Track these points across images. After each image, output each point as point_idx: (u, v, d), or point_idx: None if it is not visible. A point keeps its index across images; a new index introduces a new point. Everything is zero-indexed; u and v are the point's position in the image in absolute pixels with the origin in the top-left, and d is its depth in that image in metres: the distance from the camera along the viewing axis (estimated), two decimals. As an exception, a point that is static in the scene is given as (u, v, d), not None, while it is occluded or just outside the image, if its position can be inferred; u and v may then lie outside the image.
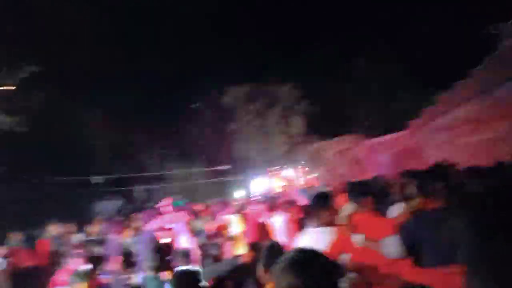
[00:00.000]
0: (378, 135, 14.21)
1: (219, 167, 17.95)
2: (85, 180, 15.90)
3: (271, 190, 15.40)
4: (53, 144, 15.51)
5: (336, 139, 14.68)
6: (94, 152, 18.70)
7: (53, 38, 16.31)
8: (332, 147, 14.27)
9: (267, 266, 2.53)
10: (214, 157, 19.47)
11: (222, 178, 18.65)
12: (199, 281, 2.84)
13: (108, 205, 19.97)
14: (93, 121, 18.66)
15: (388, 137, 13.94)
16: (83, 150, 17.90)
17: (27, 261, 7.63)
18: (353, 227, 2.94)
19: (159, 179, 19.78)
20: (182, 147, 20.29)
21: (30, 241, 8.43)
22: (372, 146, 14.17)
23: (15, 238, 7.90)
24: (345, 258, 2.88)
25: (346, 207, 3.73)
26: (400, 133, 13.61)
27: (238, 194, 16.99)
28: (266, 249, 4.54)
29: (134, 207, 18.85)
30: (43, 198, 14.25)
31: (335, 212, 3.40)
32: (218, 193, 18.69)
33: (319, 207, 3.35)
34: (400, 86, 17.03)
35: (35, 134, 11.57)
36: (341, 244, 2.95)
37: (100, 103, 18.37)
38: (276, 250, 3.50)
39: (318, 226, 3.27)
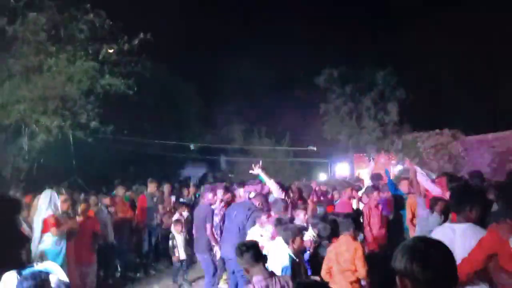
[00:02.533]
0: (479, 132, 13.27)
1: (305, 148, 17.97)
2: (179, 145, 16.88)
3: (355, 176, 15.15)
4: (154, 109, 16.71)
5: (432, 131, 13.88)
6: (189, 120, 19.71)
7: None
8: (427, 139, 13.52)
9: None
10: (300, 137, 19.51)
11: (306, 159, 18.69)
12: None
13: (196, 171, 21.17)
14: (189, 91, 19.65)
15: (490, 135, 12.98)
16: (179, 117, 18.96)
17: (126, 213, 8.44)
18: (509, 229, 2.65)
19: (244, 152, 20.34)
20: (269, 124, 20.62)
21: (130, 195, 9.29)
22: (472, 143, 13.31)
23: (119, 191, 8.75)
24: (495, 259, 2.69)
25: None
26: (506, 133, 12.61)
27: (322, 176, 16.97)
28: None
29: (218, 176, 19.74)
30: (143, 158, 15.51)
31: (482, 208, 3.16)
32: (301, 173, 18.85)
33: (470, 201, 3.13)
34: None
35: (141, 98, 12.53)
36: (492, 244, 2.73)
37: (196, 75, 19.29)
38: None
39: (464, 222, 3.08)
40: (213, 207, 6.60)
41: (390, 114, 15.64)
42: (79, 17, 10.06)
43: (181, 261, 7.57)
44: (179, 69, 19.10)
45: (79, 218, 6.49)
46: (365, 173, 13.75)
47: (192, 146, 16.36)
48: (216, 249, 6.36)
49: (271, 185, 6.14)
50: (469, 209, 3.06)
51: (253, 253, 3.24)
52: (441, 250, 1.62)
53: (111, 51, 10.86)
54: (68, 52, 10.18)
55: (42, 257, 5.55)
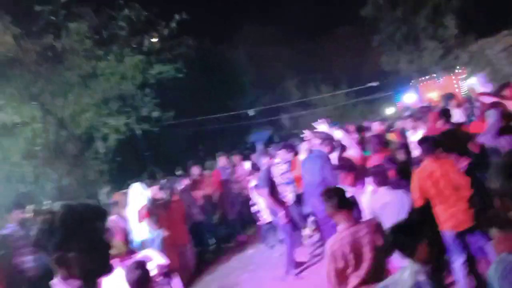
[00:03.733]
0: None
1: (365, 85, 17.33)
2: (239, 114, 17.09)
3: (425, 102, 14.42)
4: (208, 85, 16.94)
5: (500, 34, 12.67)
6: (244, 87, 19.78)
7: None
8: (495, 44, 12.38)
9: None
10: (359, 75, 18.79)
11: (369, 97, 18.05)
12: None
13: (261, 135, 21.42)
14: (239, 58, 19.56)
15: None
16: (235, 87, 19.09)
17: (205, 189, 8.82)
18: None
19: (305, 105, 20.11)
20: (324, 70, 20.07)
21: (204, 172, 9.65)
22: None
23: (195, 170, 9.11)
24: None
25: None
26: None
27: (389, 111, 16.35)
28: None
29: (283, 135, 19.81)
30: (209, 134, 15.97)
31: None
32: (367, 112, 18.29)
33: None
34: None
35: (193, 78, 12.72)
36: None
37: (244, 40, 19.06)
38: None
39: None
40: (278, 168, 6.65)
41: (449, 28, 14.45)
42: (116, 15, 10.28)
43: (268, 223, 7.78)
44: (222, 38, 19.04)
45: (168, 204, 6.90)
46: (435, 96, 13.04)
47: (250, 112, 16.46)
48: (281, 213, 6.31)
49: (339, 135, 5.99)
50: None
51: (338, 199, 3.23)
52: None
53: (155, 40, 11.08)
54: (115, 52, 10.53)
55: (143, 245, 6.01)
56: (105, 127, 10.81)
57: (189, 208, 8.05)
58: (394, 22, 15.70)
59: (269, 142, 17.49)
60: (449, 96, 7.80)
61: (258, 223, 7.95)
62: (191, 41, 11.86)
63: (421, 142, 4.55)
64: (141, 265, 3.44)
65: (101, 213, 1.64)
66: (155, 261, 3.85)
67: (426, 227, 2.59)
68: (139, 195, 5.85)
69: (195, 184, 8.69)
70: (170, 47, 11.06)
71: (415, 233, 2.51)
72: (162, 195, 6.33)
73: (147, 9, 10.58)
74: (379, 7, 15.82)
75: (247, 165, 9.29)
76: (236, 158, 9.80)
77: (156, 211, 6.00)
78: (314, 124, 6.26)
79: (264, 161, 6.86)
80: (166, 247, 6.13)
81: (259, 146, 11.80)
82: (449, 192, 4.17)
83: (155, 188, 6.15)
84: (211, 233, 8.61)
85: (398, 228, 2.65)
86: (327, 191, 3.35)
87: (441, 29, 14.78)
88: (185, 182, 8.32)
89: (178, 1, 11.85)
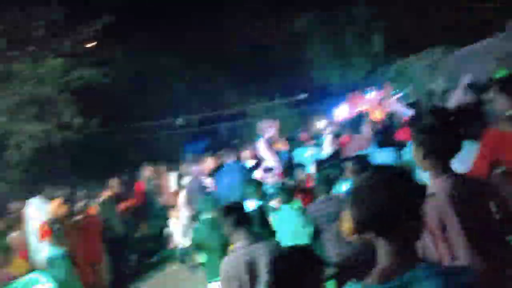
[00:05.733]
0: (471, 42, 12.72)
1: (298, 97, 17.66)
2: (170, 123, 16.66)
3: (354, 115, 14.87)
4: (139, 92, 16.25)
5: (422, 52, 13.40)
6: (178, 95, 19.29)
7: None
8: (418, 61, 13.06)
9: None
10: (293, 87, 19.08)
11: (302, 108, 18.39)
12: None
13: (197, 146, 20.97)
14: (172, 65, 19.01)
15: (485, 42, 12.46)
16: (167, 95, 18.54)
17: (127, 202, 8.35)
18: None
19: (241, 115, 20.08)
20: (260, 82, 20.14)
21: (129, 184, 9.16)
22: (469, 54, 12.80)
23: (115, 182, 8.58)
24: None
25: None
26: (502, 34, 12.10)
27: (321, 123, 16.68)
28: None
29: (219, 145, 19.54)
30: (135, 144, 15.28)
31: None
32: (300, 123, 18.57)
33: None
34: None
35: (121, 84, 12.14)
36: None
37: (176, 46, 18.56)
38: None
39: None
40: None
41: (375, 46, 15.22)
42: (33, 15, 9.57)
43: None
44: (158, 44, 18.37)
45: (79, 218, 6.37)
46: (365, 109, 13.49)
47: (178, 121, 16.11)
48: None
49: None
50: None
51: (236, 216, 2.97)
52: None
53: (79, 42, 10.47)
54: (33, 54, 9.80)
55: (47, 263, 5.47)
56: (19, 134, 9.96)
57: (109, 221, 7.56)
58: (325, 39, 16.29)
59: (205, 152, 17.11)
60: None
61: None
62: (119, 46, 11.32)
63: None
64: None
65: None
66: (39, 285, 3.44)
67: None
68: (38, 210, 5.30)
69: (116, 196, 8.19)
70: (95, 51, 10.48)
71: None
72: (66, 209, 5.77)
73: (70, 9, 9.97)
74: (309, 26, 16.34)
75: (174, 176, 8.94)
76: (162, 168, 9.40)
77: (60, 228, 5.47)
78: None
79: (192, 170, 6.55)
80: (78, 264, 5.64)
81: (189, 157, 11.43)
82: None
83: (57, 201, 5.60)
84: (132, 247, 8.13)
85: None
86: (224, 208, 3.08)
87: (368, 47, 15.49)
88: (104, 194, 7.82)
89: (104, 5, 11.20)
